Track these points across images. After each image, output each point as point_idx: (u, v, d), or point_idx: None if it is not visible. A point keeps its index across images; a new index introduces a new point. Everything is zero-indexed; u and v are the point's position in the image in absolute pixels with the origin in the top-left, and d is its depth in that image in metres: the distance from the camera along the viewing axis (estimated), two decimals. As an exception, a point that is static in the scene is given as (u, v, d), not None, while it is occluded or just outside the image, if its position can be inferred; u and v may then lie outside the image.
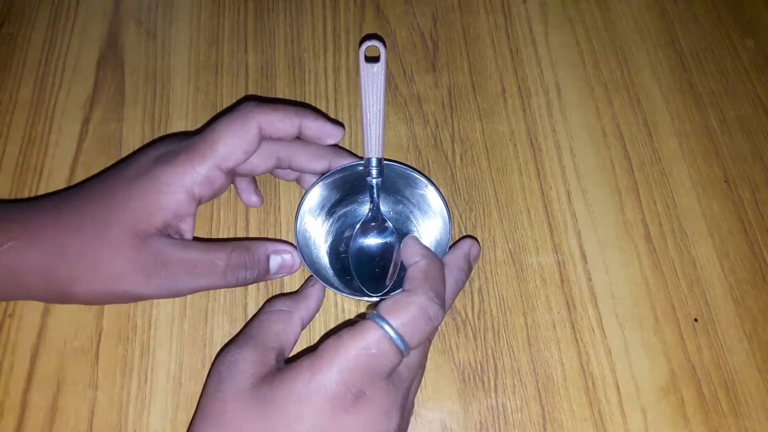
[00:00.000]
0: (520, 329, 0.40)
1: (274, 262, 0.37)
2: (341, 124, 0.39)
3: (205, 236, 0.42)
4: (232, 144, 0.34)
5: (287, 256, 0.38)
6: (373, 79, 0.37)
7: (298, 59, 0.49)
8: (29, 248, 0.32)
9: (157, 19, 0.51)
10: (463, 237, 0.41)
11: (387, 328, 0.29)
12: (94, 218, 0.33)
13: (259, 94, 0.48)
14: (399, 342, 0.29)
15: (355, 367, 0.28)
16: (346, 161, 0.39)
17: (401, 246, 0.35)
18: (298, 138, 0.38)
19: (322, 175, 0.39)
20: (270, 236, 0.42)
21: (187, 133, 0.38)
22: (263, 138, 0.36)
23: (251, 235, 0.42)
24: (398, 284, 0.39)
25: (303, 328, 0.35)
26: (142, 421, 0.36)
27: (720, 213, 0.44)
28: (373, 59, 0.37)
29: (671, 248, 0.43)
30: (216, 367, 0.31)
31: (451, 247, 0.38)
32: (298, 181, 0.42)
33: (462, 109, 0.48)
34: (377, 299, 0.39)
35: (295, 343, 0.34)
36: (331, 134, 0.38)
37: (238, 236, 0.42)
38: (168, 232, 0.34)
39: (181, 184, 0.33)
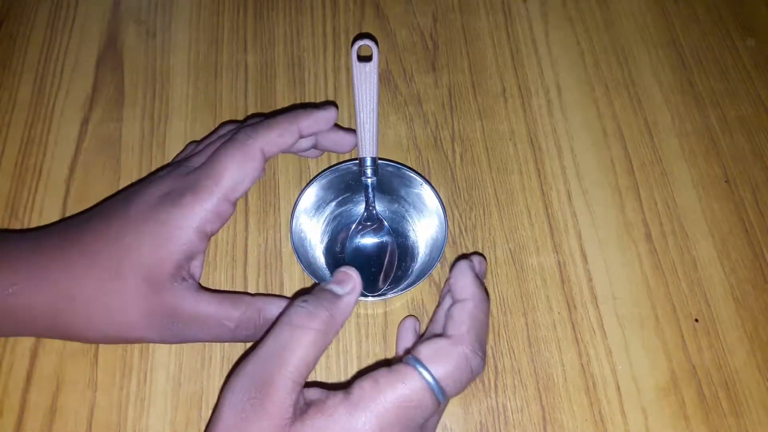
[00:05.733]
0: (521, 329, 0.40)
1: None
2: (332, 103, 0.38)
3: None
4: (238, 175, 0.33)
5: None
6: (366, 78, 0.37)
7: (297, 59, 0.49)
8: (35, 293, 0.31)
9: (157, 19, 0.51)
10: (473, 254, 0.40)
11: (428, 377, 0.28)
12: (103, 264, 0.32)
13: (258, 94, 0.48)
14: (439, 393, 0.28)
15: (395, 419, 0.27)
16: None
17: (453, 270, 0.33)
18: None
19: (317, 175, 0.39)
20: (270, 238, 0.42)
21: (186, 162, 0.36)
22: (267, 159, 0.35)
23: (251, 236, 0.42)
24: (394, 283, 0.39)
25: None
26: (141, 422, 0.36)
27: (721, 213, 0.44)
28: (366, 59, 0.37)
29: (672, 248, 0.43)
30: (236, 396, 0.28)
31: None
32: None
33: (462, 109, 0.48)
34: (374, 299, 0.39)
35: None
36: (328, 120, 0.37)
37: (238, 237, 0.42)
38: (182, 275, 0.33)
39: (191, 226, 0.32)
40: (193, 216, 0.32)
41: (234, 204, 0.34)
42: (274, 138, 0.34)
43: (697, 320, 0.40)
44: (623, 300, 0.41)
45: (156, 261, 0.31)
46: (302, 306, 0.30)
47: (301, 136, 0.36)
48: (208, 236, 0.33)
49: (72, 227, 0.34)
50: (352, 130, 0.39)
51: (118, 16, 0.51)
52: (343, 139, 0.39)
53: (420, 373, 0.28)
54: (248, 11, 0.52)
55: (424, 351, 0.29)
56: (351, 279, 0.32)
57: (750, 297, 0.41)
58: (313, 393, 0.29)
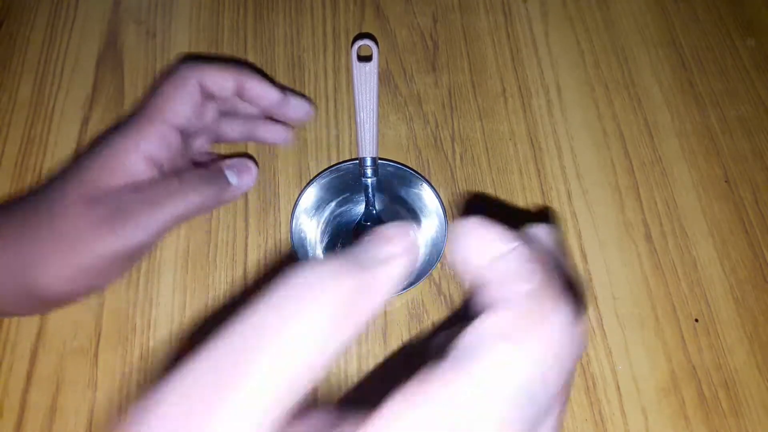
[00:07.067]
0: (521, 329, 0.40)
1: (231, 173, 0.38)
2: (284, 89, 0.40)
3: (205, 236, 0.42)
4: (177, 100, 0.35)
5: (236, 160, 0.39)
6: (365, 78, 0.37)
7: (297, 59, 0.49)
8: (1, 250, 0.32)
9: (157, 19, 0.51)
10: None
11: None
12: (49, 198, 0.33)
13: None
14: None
15: None
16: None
17: (453, 232, 0.19)
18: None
19: (317, 175, 0.39)
20: (270, 238, 0.42)
21: None
22: (207, 92, 0.36)
23: (251, 236, 0.42)
24: None
25: None
26: (141, 422, 0.36)
27: (721, 213, 0.44)
28: (366, 59, 0.37)
29: (672, 248, 0.43)
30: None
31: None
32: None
33: (462, 109, 0.48)
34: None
35: None
36: (276, 99, 0.39)
37: (238, 237, 0.42)
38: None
39: (135, 150, 0.33)
40: (138, 141, 0.34)
41: (179, 132, 0.35)
42: (211, 73, 0.36)
43: (697, 320, 0.40)
44: (623, 300, 0.41)
45: (97, 180, 0.32)
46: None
47: (240, 93, 0.37)
48: (153, 162, 0.34)
49: (39, 188, 0.36)
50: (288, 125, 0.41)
51: (118, 16, 0.51)
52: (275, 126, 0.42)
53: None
54: (248, 11, 0.52)
55: (491, 326, 0.16)
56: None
57: (750, 297, 0.41)
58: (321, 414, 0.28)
